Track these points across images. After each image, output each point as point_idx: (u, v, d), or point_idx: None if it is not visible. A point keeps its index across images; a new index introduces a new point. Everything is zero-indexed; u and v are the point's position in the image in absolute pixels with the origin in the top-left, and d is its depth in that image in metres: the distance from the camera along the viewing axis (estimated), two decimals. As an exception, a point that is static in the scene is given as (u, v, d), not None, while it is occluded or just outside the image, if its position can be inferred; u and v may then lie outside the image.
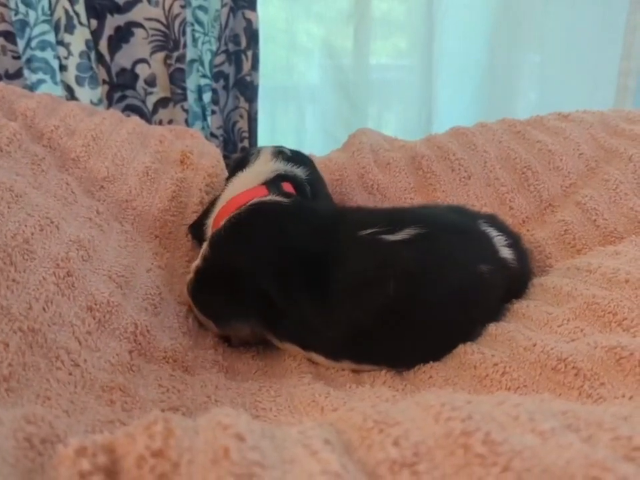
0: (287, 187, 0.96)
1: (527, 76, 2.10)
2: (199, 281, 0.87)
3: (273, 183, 0.95)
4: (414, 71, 2.03)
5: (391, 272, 0.78)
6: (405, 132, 2.00)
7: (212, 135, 1.62)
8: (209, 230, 0.97)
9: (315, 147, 1.95)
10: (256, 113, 1.65)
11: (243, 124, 1.64)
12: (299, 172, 1.03)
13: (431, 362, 0.81)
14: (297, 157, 1.08)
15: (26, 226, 0.71)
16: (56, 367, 0.61)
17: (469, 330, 0.83)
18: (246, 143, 1.65)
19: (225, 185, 1.05)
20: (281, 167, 1.02)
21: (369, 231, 0.81)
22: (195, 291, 0.88)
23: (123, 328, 0.72)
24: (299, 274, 0.81)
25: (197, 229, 1.03)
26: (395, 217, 0.86)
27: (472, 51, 2.04)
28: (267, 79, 1.70)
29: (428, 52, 1.97)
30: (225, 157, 1.65)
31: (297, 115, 2.04)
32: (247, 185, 0.96)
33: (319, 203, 0.97)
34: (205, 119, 1.68)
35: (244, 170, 1.04)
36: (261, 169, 1.01)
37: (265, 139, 1.75)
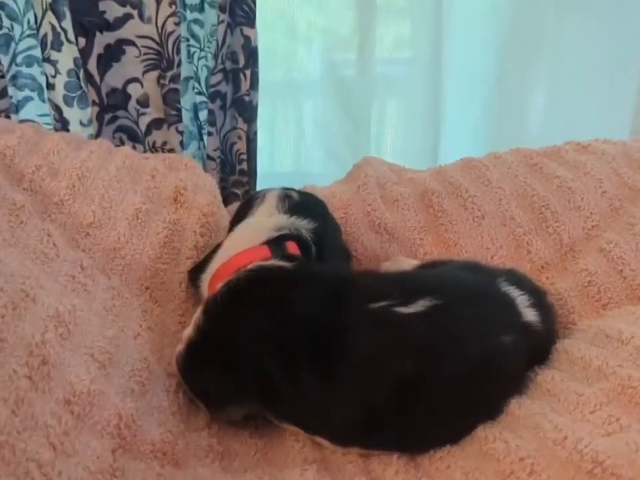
0: (292, 246, 0.88)
1: (539, 78, 1.99)
2: (191, 355, 0.79)
3: (275, 244, 0.87)
4: (420, 64, 1.91)
5: (404, 350, 0.71)
6: (410, 129, 1.92)
7: (208, 157, 1.54)
8: (205, 285, 0.90)
9: (315, 144, 1.87)
10: (255, 134, 1.56)
11: (241, 145, 1.55)
12: (306, 226, 0.94)
13: (448, 446, 0.73)
14: (305, 206, 1.00)
15: (-5, 308, 0.63)
16: (25, 487, 0.53)
17: (490, 408, 0.76)
18: (244, 166, 1.56)
19: (227, 234, 0.98)
20: (286, 222, 0.93)
21: (381, 304, 0.73)
22: (186, 367, 0.80)
23: (106, 421, 0.65)
24: (302, 350, 0.74)
25: (196, 275, 0.95)
26: (408, 286, 0.78)
27: (481, 54, 1.93)
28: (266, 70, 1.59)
29: (435, 44, 1.86)
30: (222, 180, 1.57)
31: (295, 109, 1.94)
32: (249, 241, 0.88)
33: (326, 267, 0.89)
34: (201, 138, 1.60)
35: (247, 218, 0.96)
36: (264, 222, 0.93)
37: (263, 136, 1.64)
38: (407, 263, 1.07)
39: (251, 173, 1.59)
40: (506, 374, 0.78)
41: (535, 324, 0.82)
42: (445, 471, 0.70)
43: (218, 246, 0.94)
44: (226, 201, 1.37)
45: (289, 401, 0.75)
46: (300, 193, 1.05)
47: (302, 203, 1.00)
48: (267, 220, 0.94)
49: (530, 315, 0.83)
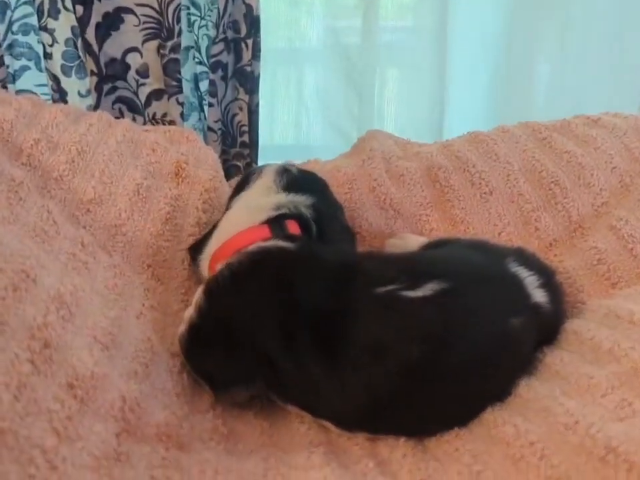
0: (292, 226, 0.86)
1: (547, 47, 1.94)
2: (193, 336, 0.78)
3: (276, 223, 0.85)
4: (424, 32, 1.86)
5: (411, 335, 0.69)
6: (414, 99, 1.88)
7: (209, 128, 1.51)
8: (204, 265, 0.88)
9: (316, 117, 1.83)
10: (257, 105, 1.53)
11: (242, 117, 1.52)
12: (304, 202, 0.91)
13: (456, 429, 0.72)
14: (304, 182, 0.98)
15: (-5, 290, 0.61)
16: (29, 474, 0.52)
17: (498, 391, 0.74)
18: (246, 138, 1.54)
19: (225, 209, 0.96)
20: (285, 200, 0.91)
21: (387, 288, 0.71)
22: (188, 348, 0.79)
23: (109, 404, 0.63)
24: (305, 335, 0.72)
25: (197, 252, 0.93)
26: (416, 269, 0.77)
27: (487, 22, 1.88)
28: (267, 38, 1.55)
29: (440, 12, 1.81)
30: (223, 152, 1.55)
31: (297, 78, 1.90)
32: (247, 221, 0.86)
33: (330, 247, 0.86)
34: (201, 110, 1.57)
35: (244, 194, 0.94)
36: (263, 200, 0.91)
37: (263, 108, 1.60)
38: (413, 240, 1.05)
39: (253, 145, 1.56)
40: (515, 357, 0.77)
41: (544, 305, 0.81)
42: (452, 454, 0.69)
43: (215, 225, 0.92)
44: (227, 174, 1.35)
45: (293, 385, 0.74)
46: (299, 169, 1.03)
47: (301, 180, 0.98)
48: (265, 199, 0.92)
49: (539, 295, 0.81)
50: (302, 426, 0.75)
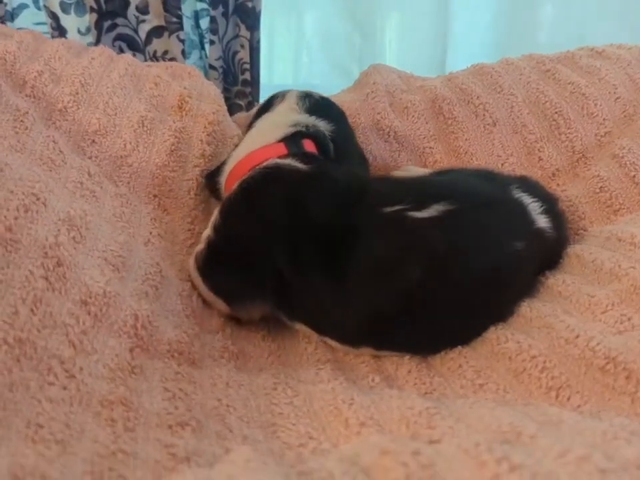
0: (309, 144, 0.87)
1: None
2: (210, 254, 0.80)
3: (292, 141, 0.86)
4: None
5: (417, 254, 0.71)
6: (417, 36, 1.85)
7: (211, 66, 1.50)
8: (222, 188, 0.89)
9: (317, 55, 1.80)
10: (258, 42, 1.51)
11: (244, 54, 1.51)
12: (324, 126, 0.92)
13: (459, 347, 0.74)
14: (324, 106, 0.99)
15: (8, 209, 0.62)
16: (48, 382, 0.54)
17: (501, 312, 0.76)
18: (247, 75, 1.53)
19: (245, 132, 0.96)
20: (304, 119, 0.92)
21: (394, 208, 0.72)
22: (206, 267, 0.80)
23: (122, 321, 0.65)
24: (314, 250, 0.73)
25: (214, 179, 0.95)
26: (423, 191, 0.77)
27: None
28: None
29: None
30: (225, 90, 1.53)
31: (298, 17, 1.87)
32: (265, 138, 0.87)
33: (341, 167, 0.87)
34: (202, 47, 1.55)
35: (265, 116, 0.94)
36: (282, 119, 0.92)
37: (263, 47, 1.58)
38: (417, 172, 1.06)
39: (255, 83, 1.55)
40: (518, 279, 0.78)
41: (547, 230, 0.82)
42: (456, 370, 0.71)
43: (235, 148, 0.93)
44: (229, 112, 1.34)
45: (301, 300, 0.75)
46: (321, 97, 1.03)
47: (322, 104, 0.99)
48: (285, 118, 0.92)
49: (542, 221, 0.82)
50: (309, 346, 0.77)
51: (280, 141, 0.87)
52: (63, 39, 1.29)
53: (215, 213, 0.82)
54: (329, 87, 1.42)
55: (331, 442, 0.56)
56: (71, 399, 0.54)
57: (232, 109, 1.52)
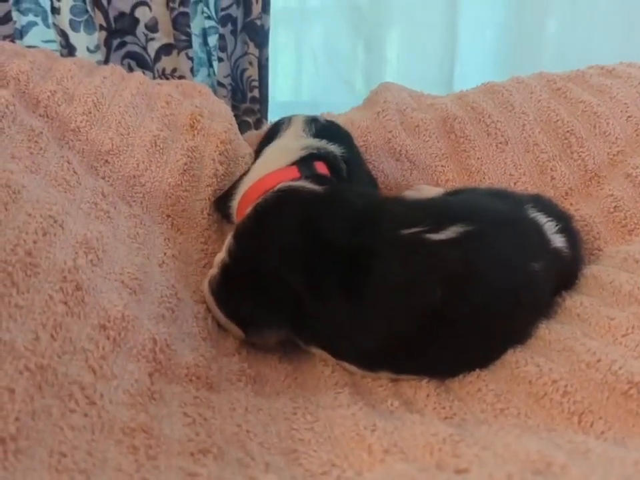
0: (321, 167, 0.87)
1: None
2: (224, 278, 0.79)
3: (304, 163, 0.85)
4: None
5: (435, 276, 0.70)
6: (424, 54, 1.85)
7: (219, 83, 1.50)
8: (234, 212, 0.89)
9: (325, 72, 1.80)
10: (267, 60, 1.51)
11: (252, 72, 1.51)
12: (334, 148, 0.92)
13: (478, 370, 0.73)
14: (332, 130, 0.99)
15: (27, 233, 0.62)
16: (69, 409, 0.53)
17: (520, 334, 0.76)
18: (256, 93, 1.53)
19: (253, 160, 0.96)
20: (314, 142, 0.92)
21: (412, 230, 0.72)
22: (221, 292, 0.80)
23: (141, 345, 0.64)
24: (331, 273, 0.73)
25: (223, 205, 0.95)
26: (439, 212, 0.77)
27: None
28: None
29: None
30: (233, 108, 1.54)
31: (307, 34, 1.87)
32: (276, 163, 0.87)
33: (355, 188, 0.87)
34: (210, 65, 1.56)
35: (273, 142, 0.94)
36: (292, 144, 0.92)
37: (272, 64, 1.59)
38: (429, 191, 1.05)
39: (263, 100, 1.55)
40: (536, 300, 0.77)
41: (563, 250, 0.82)
42: (475, 394, 0.70)
43: (245, 173, 0.93)
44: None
45: (318, 324, 0.75)
46: (326, 120, 1.03)
47: (328, 127, 0.99)
48: (294, 142, 0.92)
49: (558, 240, 0.82)
50: (326, 369, 0.76)
51: (292, 165, 0.86)
52: (75, 57, 1.29)
53: (229, 237, 0.81)
54: (334, 103, 1.42)
55: (354, 469, 0.55)
56: (93, 427, 0.53)
57: (240, 127, 1.51)
